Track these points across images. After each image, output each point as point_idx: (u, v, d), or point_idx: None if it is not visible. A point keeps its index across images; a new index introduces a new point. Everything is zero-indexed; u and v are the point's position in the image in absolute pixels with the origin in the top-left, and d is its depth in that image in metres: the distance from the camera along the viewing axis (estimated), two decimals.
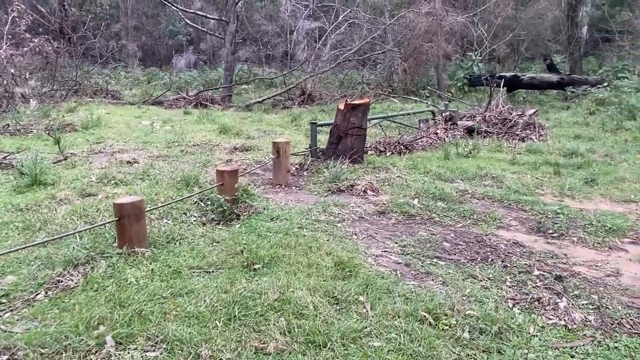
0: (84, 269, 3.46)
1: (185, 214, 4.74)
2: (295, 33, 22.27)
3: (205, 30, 22.87)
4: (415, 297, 3.13)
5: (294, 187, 6.06)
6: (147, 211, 4.06)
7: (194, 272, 3.49)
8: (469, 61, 19.09)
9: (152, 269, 3.49)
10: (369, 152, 7.98)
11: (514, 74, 17.21)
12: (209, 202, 4.81)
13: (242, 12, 22.06)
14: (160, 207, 4.63)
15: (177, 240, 4.08)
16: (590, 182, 6.43)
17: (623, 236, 4.49)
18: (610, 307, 3.10)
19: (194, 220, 4.60)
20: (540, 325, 2.86)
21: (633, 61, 20.41)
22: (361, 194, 5.70)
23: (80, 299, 3.07)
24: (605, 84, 15.77)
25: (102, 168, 6.57)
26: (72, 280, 3.32)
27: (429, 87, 17.89)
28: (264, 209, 4.92)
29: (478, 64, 18.73)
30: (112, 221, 3.79)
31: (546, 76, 17.49)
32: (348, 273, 3.45)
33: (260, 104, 16.04)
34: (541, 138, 9.84)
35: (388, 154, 8.08)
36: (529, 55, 26.11)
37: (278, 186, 6.04)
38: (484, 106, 11.43)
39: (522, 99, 17.34)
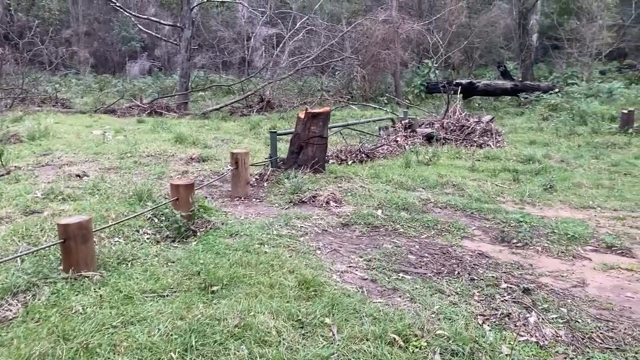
0: (25, 297, 3.17)
1: (138, 231, 4.47)
2: (252, 39, 22.03)
3: (159, 36, 22.33)
4: (383, 317, 2.99)
5: (254, 199, 5.85)
6: (96, 231, 3.78)
7: (147, 297, 3.24)
8: (425, 68, 19.33)
9: (101, 295, 3.22)
10: (331, 161, 7.85)
11: (469, 80, 17.50)
12: (164, 218, 4.56)
13: (198, 18, 21.69)
14: (111, 225, 4.34)
15: (128, 261, 3.81)
16: (549, 188, 6.49)
17: (585, 244, 4.50)
18: (579, 321, 3.04)
19: (148, 238, 4.33)
20: (512, 344, 2.77)
21: (581, 68, 21.15)
22: (324, 205, 5.55)
23: (19, 332, 2.79)
24: (557, 90, 16.24)
25: (49, 182, 6.19)
26: (10, 311, 3.03)
27: (387, 94, 17.98)
28: (223, 224, 4.70)
29: (434, 71, 18.98)
30: (56, 243, 3.50)
31: (500, 83, 17.88)
32: (313, 292, 3.28)
33: (218, 112, 15.73)
34: (498, 144, 9.96)
35: (350, 162, 7.98)
36: (482, 62, 26.72)
37: (237, 199, 5.82)
38: (442, 113, 11.52)
39: (477, 105, 17.65)
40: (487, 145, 9.88)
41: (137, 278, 3.51)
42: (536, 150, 8.86)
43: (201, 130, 11.56)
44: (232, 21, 27.45)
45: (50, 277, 3.40)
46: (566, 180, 6.97)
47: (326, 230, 4.76)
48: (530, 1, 23.30)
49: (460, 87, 14.35)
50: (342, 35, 18.42)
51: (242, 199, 5.82)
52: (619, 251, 4.32)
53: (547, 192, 6.38)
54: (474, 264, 4.00)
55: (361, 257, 4.09)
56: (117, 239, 4.29)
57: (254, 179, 6.56)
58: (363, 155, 8.29)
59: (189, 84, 17.67)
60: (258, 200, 5.84)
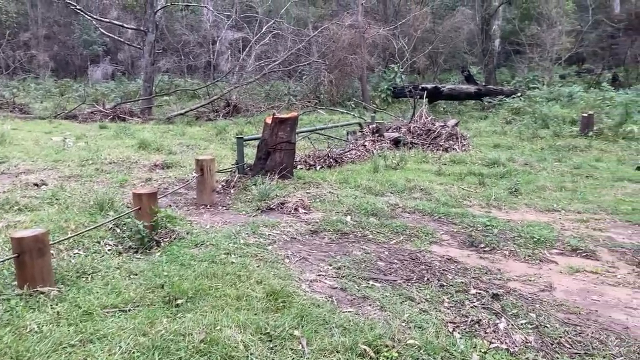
0: None
1: (99, 242, 4.30)
2: (218, 43, 21.80)
3: (122, 40, 21.86)
4: (353, 328, 2.93)
5: (220, 207, 5.73)
6: (53, 243, 3.62)
7: (107, 312, 3.10)
8: (391, 73, 19.48)
9: (58, 312, 3.07)
10: (299, 166, 7.78)
11: (435, 85, 17.73)
12: (126, 229, 4.40)
13: (162, 22, 21.33)
14: (70, 237, 4.17)
15: (88, 275, 3.66)
16: (514, 191, 6.58)
17: (551, 247, 4.55)
18: (548, 326, 3.05)
19: (109, 250, 4.17)
20: (483, 351, 2.75)
21: (542, 72, 21.68)
22: (292, 212, 5.48)
23: None
24: (519, 94, 16.58)
25: (4, 192, 5.92)
26: None
27: (354, 99, 18.04)
28: (188, 233, 4.57)
29: (400, 76, 19.15)
30: (10, 258, 3.32)
31: (465, 87, 18.17)
32: (281, 304, 3.20)
33: (183, 117, 15.47)
34: (464, 148, 10.08)
35: (318, 168, 7.93)
36: (447, 67, 27.15)
37: (203, 207, 5.69)
38: (409, 117, 11.60)
39: (442, 109, 17.90)
40: (453, 149, 9.99)
41: (98, 292, 3.36)
42: (500, 154, 9.00)
43: (166, 136, 11.33)
44: (197, 25, 27.11)
45: (3, 293, 3.22)
46: (530, 184, 7.08)
47: (295, 238, 4.68)
48: (492, 7, 23.79)
49: (425, 91, 14.52)
50: (309, 40, 18.42)
51: (208, 207, 5.69)
52: (584, 254, 4.39)
53: (513, 196, 6.46)
54: (443, 270, 3.99)
55: (330, 265, 4.03)
56: (76, 251, 4.11)
57: (220, 186, 6.43)
58: (331, 160, 8.25)
59: (153, 88, 17.34)
60: (224, 208, 5.72)
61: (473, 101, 18.54)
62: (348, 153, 8.93)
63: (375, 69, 22.33)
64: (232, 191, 6.37)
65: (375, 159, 8.42)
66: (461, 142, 10.33)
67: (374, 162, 8.09)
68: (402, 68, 19.62)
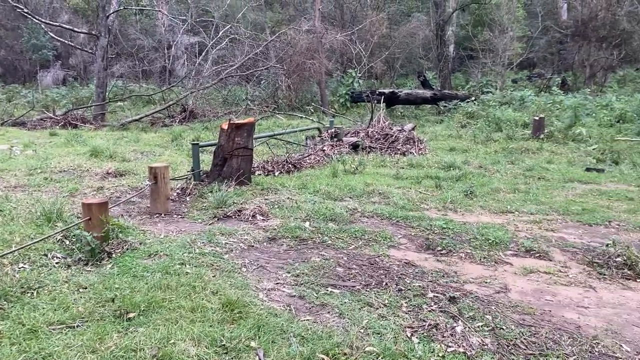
0: None
1: (46, 255, 4.11)
2: (173, 48, 21.41)
3: (73, 44, 21.19)
4: (311, 336, 2.89)
5: (175, 216, 5.59)
6: None
7: (54, 329, 2.95)
8: (349, 78, 19.61)
9: (0, 330, 2.90)
10: (257, 172, 7.70)
11: (392, 90, 17.95)
12: (75, 240, 4.22)
13: (115, 26, 20.83)
14: (15, 250, 3.96)
15: (34, 290, 3.48)
16: (469, 194, 6.69)
17: (505, 249, 4.64)
18: (504, 328, 3.09)
19: (57, 263, 3.99)
20: (441, 355, 2.76)
21: (495, 77, 22.28)
22: (250, 219, 5.39)
23: None
24: (473, 98, 16.98)
25: None
26: None
27: (313, 104, 18.06)
28: (141, 243, 4.43)
29: (358, 81, 19.30)
30: None
31: (421, 92, 18.46)
32: (237, 314, 3.12)
33: (138, 123, 15.11)
34: (420, 152, 10.22)
35: (277, 173, 7.86)
36: (403, 72, 27.56)
37: (157, 215, 5.53)
38: (367, 122, 11.68)
39: (400, 114, 18.14)
40: (410, 152, 10.11)
41: (44, 308, 3.20)
42: (456, 157, 9.16)
43: (119, 143, 11.02)
44: (151, 29, 26.59)
45: None
46: (485, 186, 7.22)
47: (252, 246, 4.61)
48: (446, 13, 24.31)
49: (383, 96, 14.68)
50: (267, 45, 18.32)
51: (162, 215, 5.54)
52: (537, 254, 4.49)
53: (468, 198, 6.57)
54: (401, 274, 3.99)
55: (289, 272, 3.97)
56: (21, 265, 3.91)
57: (175, 194, 6.28)
58: (290, 165, 8.20)
59: (106, 94, 16.86)
60: (179, 216, 5.58)
61: (429, 105, 18.86)
62: (307, 158, 8.90)
63: (333, 74, 22.43)
64: (187, 199, 6.23)
65: (334, 163, 8.42)
66: (418, 146, 10.46)
67: (332, 167, 8.09)
68: (359, 73, 19.78)
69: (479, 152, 10.35)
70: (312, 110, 16.62)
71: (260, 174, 7.69)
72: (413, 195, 6.69)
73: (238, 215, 5.48)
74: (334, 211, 5.62)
